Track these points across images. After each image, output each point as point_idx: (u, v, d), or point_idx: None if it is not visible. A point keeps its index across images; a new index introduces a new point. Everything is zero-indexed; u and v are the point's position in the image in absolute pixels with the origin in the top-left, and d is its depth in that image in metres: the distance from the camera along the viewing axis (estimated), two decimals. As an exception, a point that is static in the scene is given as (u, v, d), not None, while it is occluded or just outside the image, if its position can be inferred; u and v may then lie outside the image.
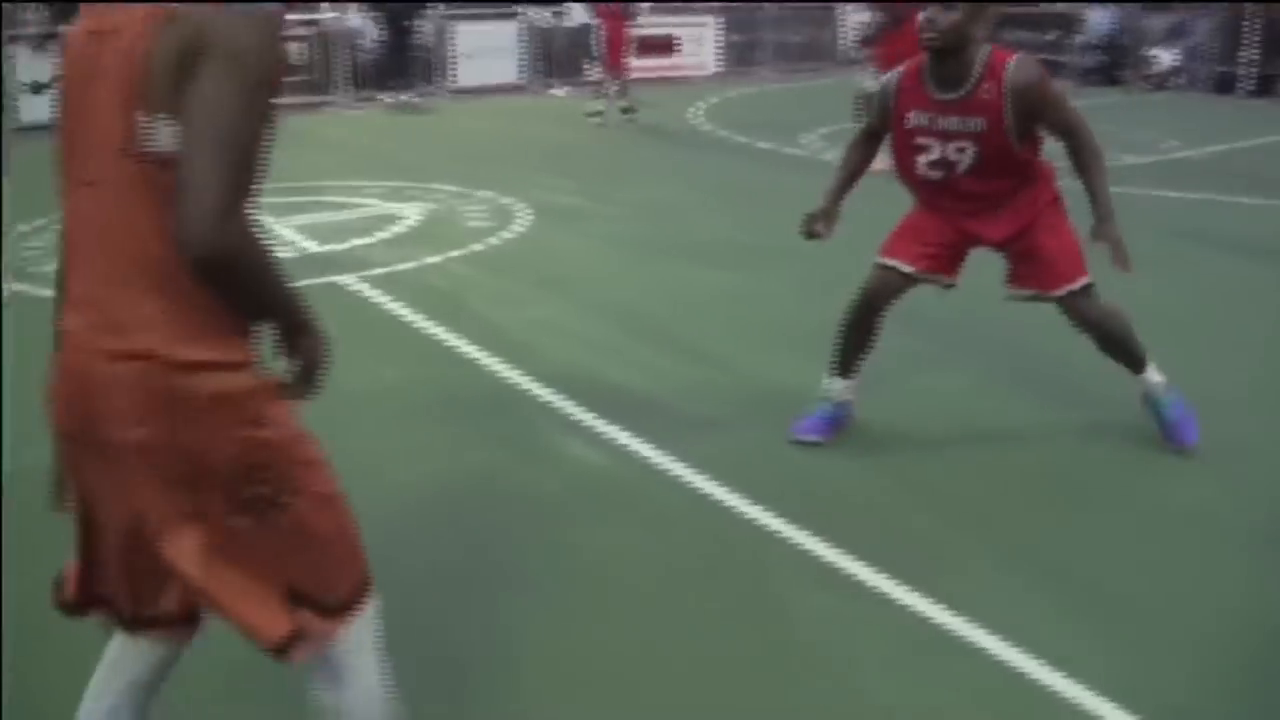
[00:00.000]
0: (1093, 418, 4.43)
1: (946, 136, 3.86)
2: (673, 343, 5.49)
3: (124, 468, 1.70)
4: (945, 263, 4.12)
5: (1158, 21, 17.37)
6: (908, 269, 4.08)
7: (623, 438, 4.29)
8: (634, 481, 3.97)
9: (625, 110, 13.66)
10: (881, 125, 4.07)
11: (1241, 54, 16.53)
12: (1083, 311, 4.00)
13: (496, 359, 5.20)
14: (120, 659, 1.97)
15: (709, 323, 5.82)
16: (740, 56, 19.67)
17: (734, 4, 19.78)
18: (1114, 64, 17.52)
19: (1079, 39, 17.79)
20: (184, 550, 1.71)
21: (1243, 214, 8.52)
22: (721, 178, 10.30)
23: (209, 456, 1.68)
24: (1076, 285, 3.96)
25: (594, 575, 3.32)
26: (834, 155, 6.37)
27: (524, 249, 7.50)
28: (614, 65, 13.57)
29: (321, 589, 1.78)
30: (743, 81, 18.52)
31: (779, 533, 3.54)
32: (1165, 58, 17.16)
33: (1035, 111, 3.79)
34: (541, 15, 18.58)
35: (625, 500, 3.83)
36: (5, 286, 5.20)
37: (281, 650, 1.76)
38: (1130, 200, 8.49)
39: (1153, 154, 11.03)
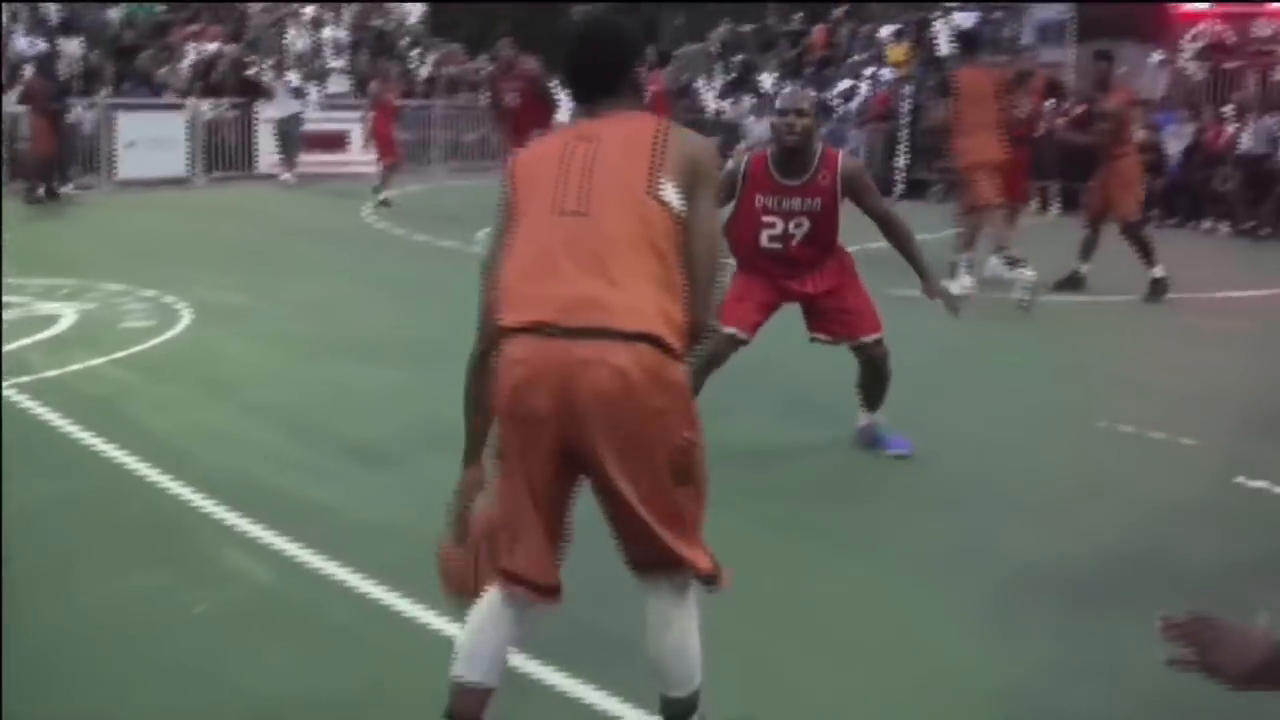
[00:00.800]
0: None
1: (788, 215, 4.83)
2: (340, 444, 5.38)
3: (596, 440, 2.32)
4: (759, 324, 5.03)
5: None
6: (744, 336, 4.95)
7: (292, 549, 4.13)
8: (304, 596, 3.80)
9: (383, 201, 14.40)
10: (724, 203, 4.67)
11: (895, 161, 18.34)
12: (877, 354, 5.04)
13: (155, 469, 4.95)
14: (500, 620, 2.48)
15: (378, 422, 5.74)
16: (412, 154, 19.83)
17: (406, 101, 19.98)
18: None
19: (741, 145, 19.05)
20: (645, 505, 2.35)
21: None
22: (391, 273, 10.33)
23: (660, 435, 2.36)
24: (879, 334, 5.02)
25: (263, 705, 3.11)
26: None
27: (186, 350, 7.24)
28: (388, 154, 14.64)
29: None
30: (415, 179, 18.62)
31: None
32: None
33: (858, 195, 4.83)
34: (211, 106, 18.14)
35: (296, 617, 3.64)
36: None
37: (710, 580, 2.49)
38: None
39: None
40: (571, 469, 2.41)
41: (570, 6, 18.57)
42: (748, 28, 26.04)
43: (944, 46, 21.41)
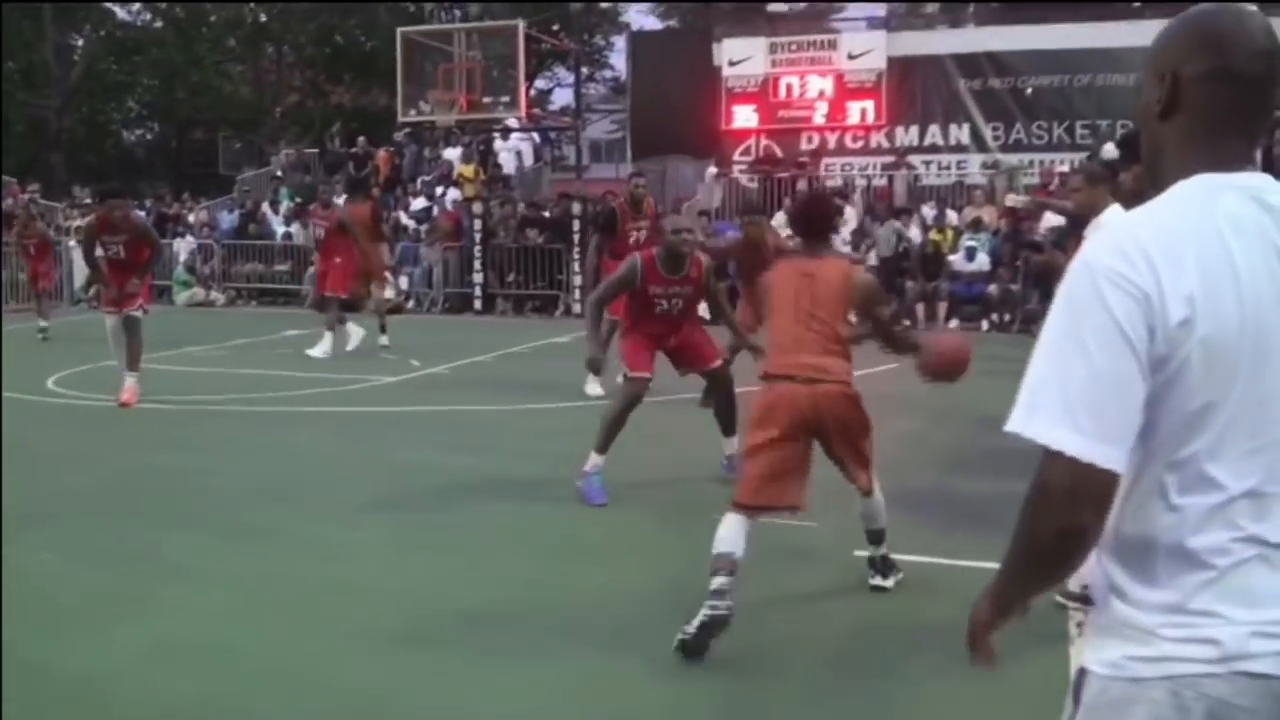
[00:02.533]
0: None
1: (671, 297, 6.73)
2: None
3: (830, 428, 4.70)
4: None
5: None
6: (648, 375, 6.77)
7: None
8: None
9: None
10: (625, 293, 6.86)
11: (473, 277, 18.60)
12: (725, 376, 6.98)
13: None
14: (740, 529, 4.49)
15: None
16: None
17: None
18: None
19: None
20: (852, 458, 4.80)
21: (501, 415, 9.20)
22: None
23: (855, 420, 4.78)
24: (723, 359, 7.08)
25: None
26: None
27: None
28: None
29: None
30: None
31: None
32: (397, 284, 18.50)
33: (710, 285, 6.88)
34: None
35: None
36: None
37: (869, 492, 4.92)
38: (393, 417, 8.52)
39: (406, 372, 11.67)
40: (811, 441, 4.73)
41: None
42: (311, 150, 25.59)
43: (507, 166, 22.10)
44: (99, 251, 9.95)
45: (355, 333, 13.35)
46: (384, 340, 13.25)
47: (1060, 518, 1.54)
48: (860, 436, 4.81)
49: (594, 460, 6.55)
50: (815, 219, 5.07)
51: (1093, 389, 1.53)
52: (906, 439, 7.99)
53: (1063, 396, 1.54)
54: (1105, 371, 1.53)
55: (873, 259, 16.45)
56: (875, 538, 5.04)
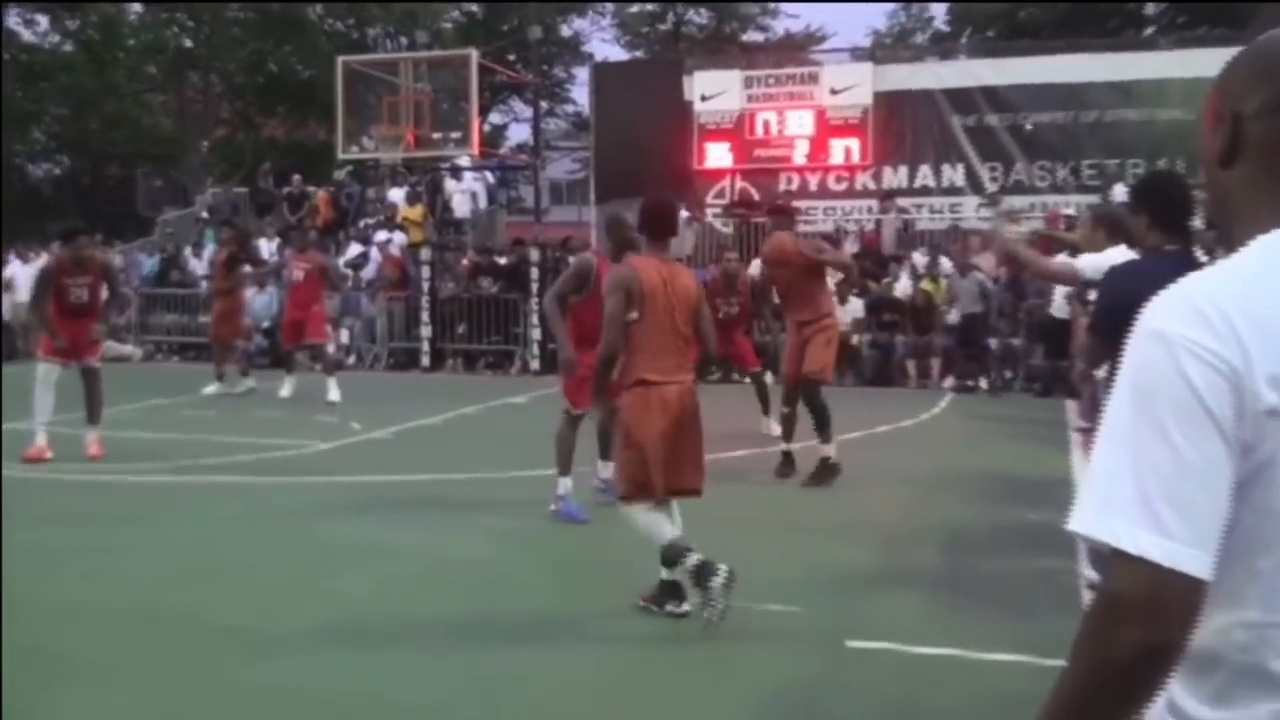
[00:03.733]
0: None
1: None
2: None
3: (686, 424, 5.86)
4: None
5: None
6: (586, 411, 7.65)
7: None
8: None
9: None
10: (578, 292, 7.68)
11: (420, 330, 18.58)
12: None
13: None
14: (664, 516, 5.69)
15: None
16: None
17: None
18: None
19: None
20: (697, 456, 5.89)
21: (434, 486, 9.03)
22: None
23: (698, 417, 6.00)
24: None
25: None
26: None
27: None
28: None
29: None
30: None
31: None
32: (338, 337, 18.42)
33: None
34: None
35: None
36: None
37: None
38: (329, 488, 8.35)
39: (345, 436, 11.53)
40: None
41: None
42: (240, 189, 25.47)
43: (458, 209, 22.06)
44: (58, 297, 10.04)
45: (289, 384, 14.70)
46: (334, 396, 13.80)
47: (1141, 635, 1.40)
48: (701, 434, 5.87)
49: (562, 484, 7.75)
50: (667, 219, 6.03)
51: (1177, 480, 1.40)
52: (906, 511, 7.89)
53: (1140, 490, 1.41)
54: (1190, 458, 1.40)
55: (859, 307, 16.48)
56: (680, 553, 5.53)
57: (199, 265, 21.47)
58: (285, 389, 14.59)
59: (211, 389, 14.96)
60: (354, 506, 8.56)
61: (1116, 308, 4.53)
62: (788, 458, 9.29)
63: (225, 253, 15.86)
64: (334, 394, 13.74)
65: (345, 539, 7.50)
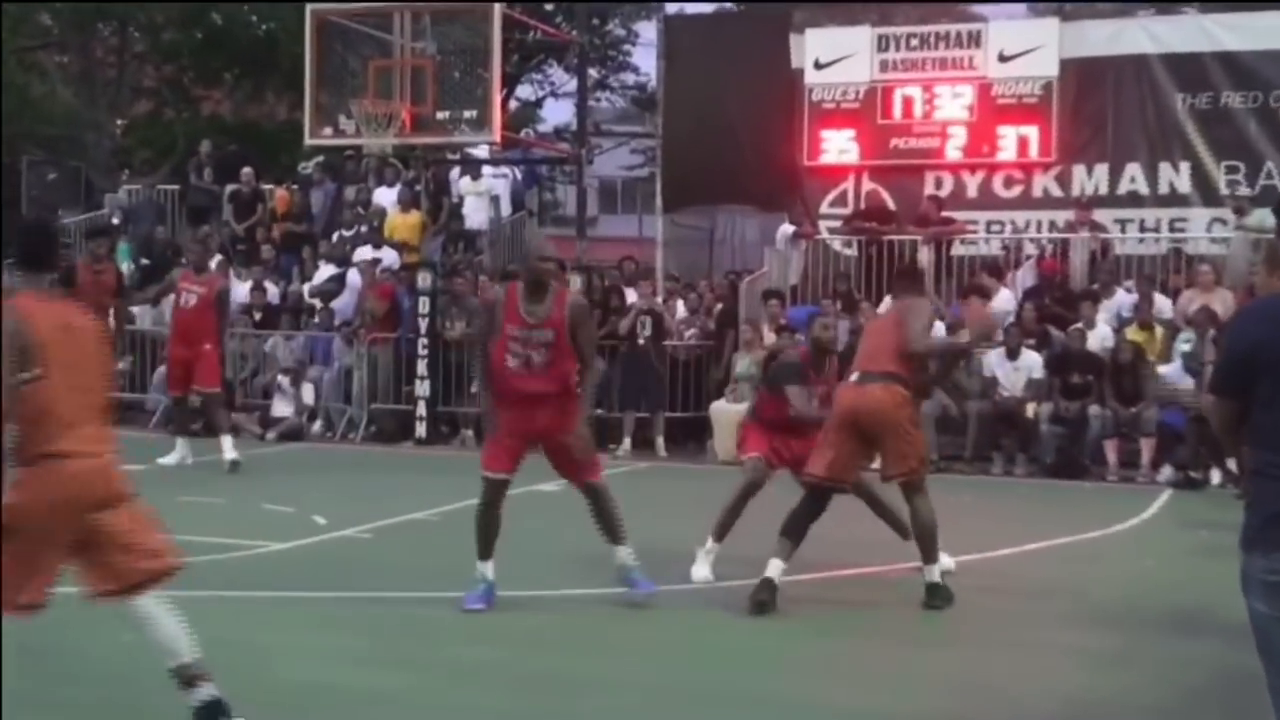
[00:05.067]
0: None
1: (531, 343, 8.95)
2: None
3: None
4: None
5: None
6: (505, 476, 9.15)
7: None
8: None
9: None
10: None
11: (415, 387, 18.90)
12: (600, 493, 9.25)
13: None
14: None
15: None
16: None
17: None
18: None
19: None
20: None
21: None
22: None
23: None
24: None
25: None
26: None
27: None
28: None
29: None
30: None
31: None
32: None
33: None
34: None
35: None
36: None
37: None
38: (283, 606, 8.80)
39: (306, 533, 11.56)
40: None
41: None
42: (169, 186, 25.66)
43: (472, 218, 22.11)
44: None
45: (182, 449, 15.39)
46: (230, 454, 14.87)
47: None
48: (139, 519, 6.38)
49: (481, 569, 9.12)
50: (48, 244, 6.52)
51: None
52: (1090, 675, 7.74)
53: None
54: None
55: (1037, 364, 16.34)
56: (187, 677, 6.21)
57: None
58: (227, 450, 15.19)
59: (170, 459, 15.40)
60: (316, 632, 8.61)
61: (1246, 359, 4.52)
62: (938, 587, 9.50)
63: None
64: (231, 451, 14.83)
65: (302, 680, 7.53)
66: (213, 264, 17.29)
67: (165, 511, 12.12)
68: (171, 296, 16.31)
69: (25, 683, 6.75)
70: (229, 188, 23.69)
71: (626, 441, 17.85)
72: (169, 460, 15.18)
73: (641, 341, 17.94)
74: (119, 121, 36.18)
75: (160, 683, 6.24)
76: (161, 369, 18.69)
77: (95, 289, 16.00)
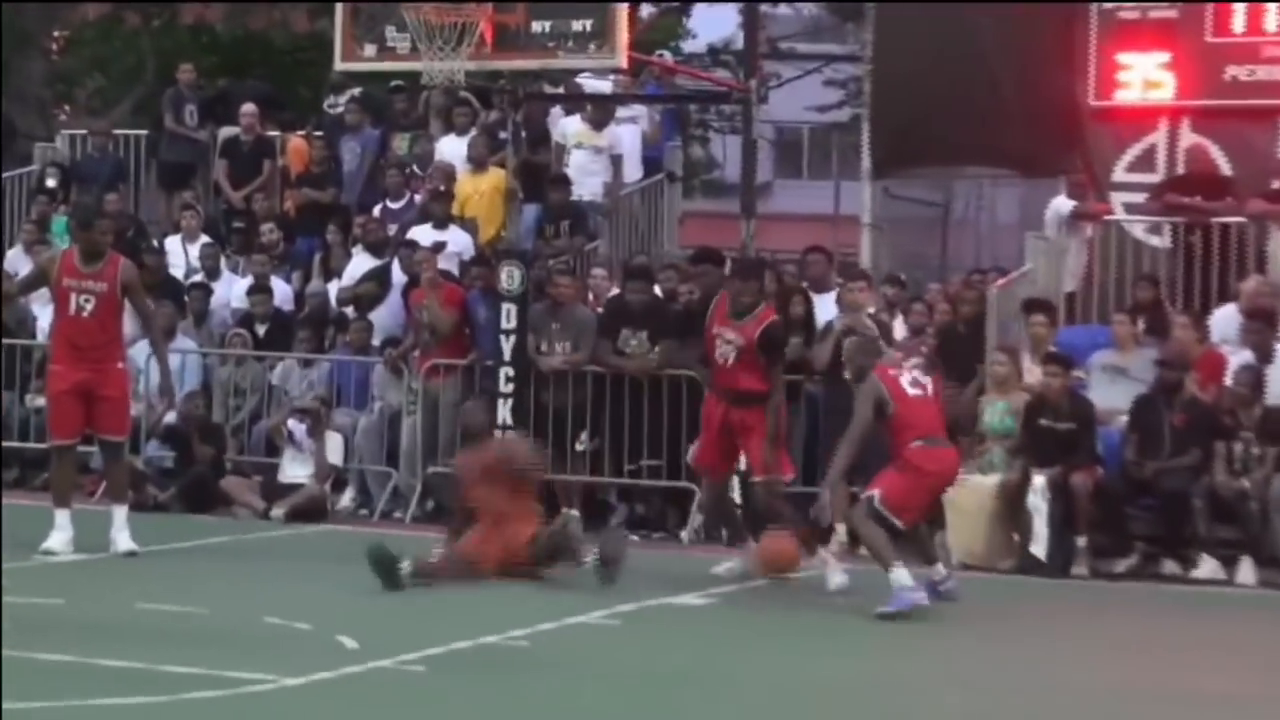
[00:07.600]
0: None
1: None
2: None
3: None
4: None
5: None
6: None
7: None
8: None
9: None
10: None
11: None
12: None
13: None
14: None
15: None
16: None
17: None
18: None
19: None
20: None
21: None
22: None
23: None
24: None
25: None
26: None
27: None
28: None
29: None
30: None
31: None
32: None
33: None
34: None
35: None
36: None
37: None
38: None
39: (330, 664, 11.43)
40: None
41: None
42: (132, 132, 26.00)
43: (582, 182, 22.10)
44: None
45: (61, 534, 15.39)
46: (126, 544, 15.25)
47: None
48: None
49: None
50: None
51: None
52: None
53: None
54: None
55: None
56: None
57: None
58: (118, 531, 15.53)
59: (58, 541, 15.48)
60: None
61: None
62: None
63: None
64: (125, 540, 15.17)
65: None
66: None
67: (116, 623, 12.32)
68: (48, 294, 16.59)
69: None
70: (221, 134, 24.03)
71: (838, 536, 16.47)
72: (55, 543, 15.19)
73: (848, 376, 17.08)
74: (56, 33, 36.61)
75: None
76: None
77: None
